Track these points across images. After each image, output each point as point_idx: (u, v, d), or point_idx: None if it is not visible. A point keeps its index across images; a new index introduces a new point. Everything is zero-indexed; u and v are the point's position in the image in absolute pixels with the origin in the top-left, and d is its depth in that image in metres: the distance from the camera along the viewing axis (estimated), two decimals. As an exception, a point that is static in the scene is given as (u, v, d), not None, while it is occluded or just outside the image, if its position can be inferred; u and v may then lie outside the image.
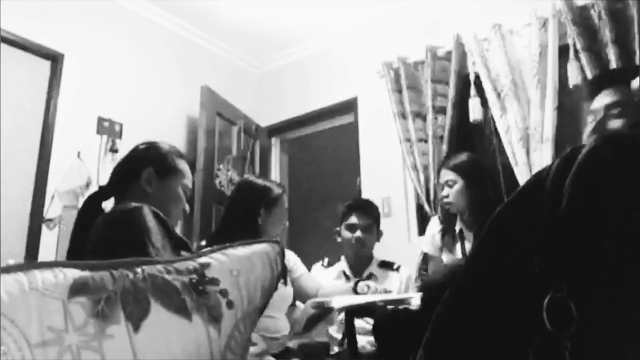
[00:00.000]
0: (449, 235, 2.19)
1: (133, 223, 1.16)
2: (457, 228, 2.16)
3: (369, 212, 2.47)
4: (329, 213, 4.64)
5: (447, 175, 2.14)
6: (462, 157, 2.21)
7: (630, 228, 0.53)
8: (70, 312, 0.59)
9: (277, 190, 2.04)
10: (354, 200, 2.72)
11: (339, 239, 2.50)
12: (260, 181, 2.10)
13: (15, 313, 0.56)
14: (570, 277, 0.55)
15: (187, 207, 1.51)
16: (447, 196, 2.12)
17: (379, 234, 2.48)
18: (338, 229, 2.52)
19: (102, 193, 1.42)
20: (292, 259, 2.24)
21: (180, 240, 1.20)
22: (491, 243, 0.65)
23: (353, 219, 2.42)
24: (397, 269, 2.45)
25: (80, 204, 2.82)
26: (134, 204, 1.21)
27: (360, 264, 2.43)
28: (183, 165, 1.48)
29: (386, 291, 2.14)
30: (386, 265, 2.46)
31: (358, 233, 2.39)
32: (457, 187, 2.09)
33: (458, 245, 2.13)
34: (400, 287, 2.38)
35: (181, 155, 1.51)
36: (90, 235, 1.26)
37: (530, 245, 0.59)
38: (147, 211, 1.18)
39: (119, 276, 0.66)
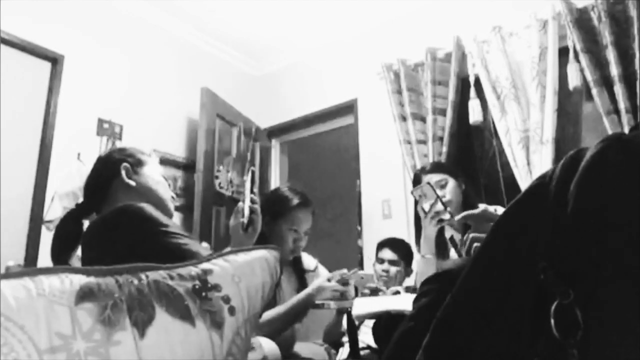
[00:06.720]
0: (440, 247, 2.16)
1: (141, 215, 1.18)
2: (448, 235, 2.12)
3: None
4: (329, 215, 4.65)
5: (434, 177, 2.09)
6: (438, 161, 2.24)
7: (638, 233, 0.53)
8: (78, 318, 0.60)
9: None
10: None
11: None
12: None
13: (24, 319, 0.57)
14: (577, 283, 0.55)
15: (172, 192, 1.52)
16: (443, 196, 2.05)
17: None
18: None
19: (82, 209, 1.44)
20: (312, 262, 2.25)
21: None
22: (494, 248, 0.64)
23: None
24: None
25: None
26: (128, 203, 1.24)
27: None
28: (146, 157, 1.51)
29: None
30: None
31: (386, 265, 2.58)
32: (449, 185, 2.07)
33: (452, 252, 2.10)
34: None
35: (142, 151, 1.53)
36: (89, 242, 1.27)
37: (535, 251, 0.59)
38: (146, 205, 1.22)
39: (124, 282, 0.66)
